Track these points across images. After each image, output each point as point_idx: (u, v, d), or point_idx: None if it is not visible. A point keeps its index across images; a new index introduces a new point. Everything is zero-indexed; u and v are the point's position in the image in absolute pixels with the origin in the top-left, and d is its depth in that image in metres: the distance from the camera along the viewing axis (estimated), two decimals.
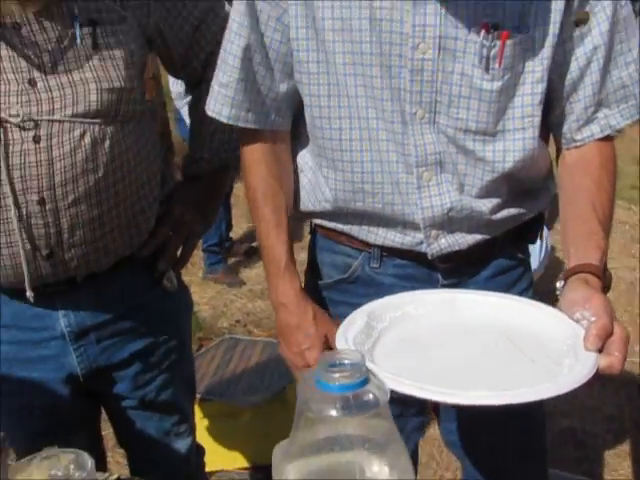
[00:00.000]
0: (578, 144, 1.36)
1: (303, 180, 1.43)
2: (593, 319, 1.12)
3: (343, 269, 1.46)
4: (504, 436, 1.55)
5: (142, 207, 1.44)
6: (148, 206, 1.46)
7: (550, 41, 1.25)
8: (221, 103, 1.36)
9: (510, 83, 1.27)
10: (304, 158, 1.43)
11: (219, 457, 2.76)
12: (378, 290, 1.34)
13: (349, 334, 1.15)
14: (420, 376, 1.05)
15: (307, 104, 1.34)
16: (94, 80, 1.30)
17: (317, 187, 1.40)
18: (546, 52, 1.26)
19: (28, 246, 1.31)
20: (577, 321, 1.15)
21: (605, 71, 1.30)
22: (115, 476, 1.29)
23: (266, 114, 1.36)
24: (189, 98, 1.66)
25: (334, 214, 1.41)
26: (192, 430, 1.76)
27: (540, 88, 1.29)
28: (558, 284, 1.25)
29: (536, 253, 3.16)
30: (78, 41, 1.29)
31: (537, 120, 1.31)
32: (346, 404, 0.82)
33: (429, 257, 1.39)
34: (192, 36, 1.51)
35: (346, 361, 0.83)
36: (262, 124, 1.37)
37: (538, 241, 1.52)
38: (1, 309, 1.44)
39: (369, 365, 1.07)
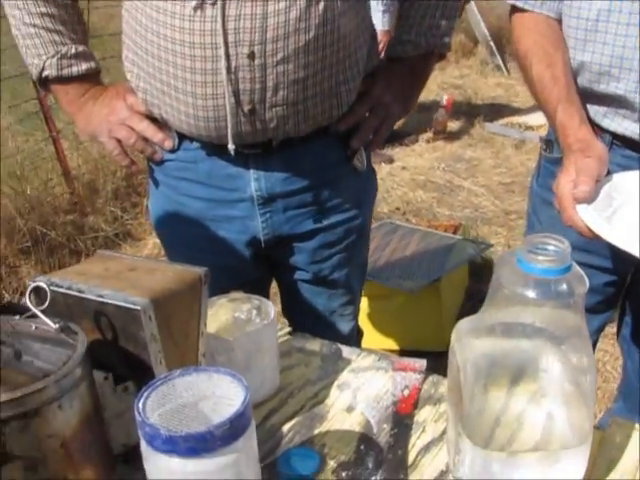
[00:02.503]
0: None
1: None
2: None
3: None
4: None
5: (346, 77, 1.43)
6: (352, 77, 1.44)
7: None
8: None
9: None
10: None
11: (368, 336, 2.82)
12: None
13: (590, 202, 1.18)
14: None
15: None
16: None
17: None
18: None
19: (232, 100, 1.33)
20: None
21: None
22: (287, 329, 1.35)
23: None
24: None
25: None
26: (356, 314, 1.79)
27: None
28: None
29: None
30: None
31: None
32: (544, 288, 0.81)
33: None
34: None
35: (551, 247, 0.82)
36: (539, 7, 1.40)
37: None
38: (198, 166, 1.48)
39: (605, 229, 1.12)
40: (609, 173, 1.30)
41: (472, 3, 7.13)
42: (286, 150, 1.45)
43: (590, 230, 1.16)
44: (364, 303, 2.87)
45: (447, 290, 2.95)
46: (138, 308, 0.85)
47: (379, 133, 1.58)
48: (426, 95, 6.43)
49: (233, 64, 1.30)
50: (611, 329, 1.74)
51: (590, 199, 1.19)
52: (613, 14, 1.28)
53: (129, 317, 0.86)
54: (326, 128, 1.48)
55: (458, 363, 0.89)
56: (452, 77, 7.08)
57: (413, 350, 2.80)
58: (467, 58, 7.59)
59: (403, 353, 2.88)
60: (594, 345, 1.69)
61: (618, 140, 1.41)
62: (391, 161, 4.98)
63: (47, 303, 0.84)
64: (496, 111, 6.05)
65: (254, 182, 1.47)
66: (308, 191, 1.52)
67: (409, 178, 4.78)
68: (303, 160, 1.49)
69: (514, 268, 0.82)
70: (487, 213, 4.34)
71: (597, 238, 1.14)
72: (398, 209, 4.32)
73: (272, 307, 1.14)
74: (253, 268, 1.60)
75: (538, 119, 5.18)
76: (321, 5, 1.31)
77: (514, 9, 1.43)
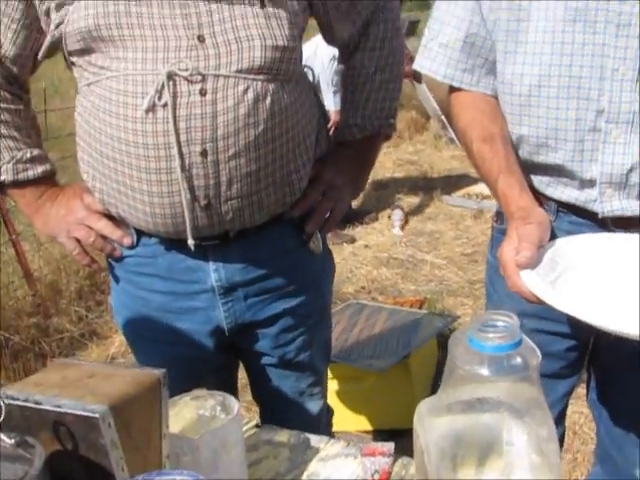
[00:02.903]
0: None
1: None
2: None
3: None
4: None
5: (297, 166, 1.46)
6: (302, 165, 1.48)
7: None
8: (439, 62, 1.43)
9: None
10: None
11: (341, 418, 2.80)
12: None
13: (533, 267, 1.19)
14: (594, 306, 1.10)
15: (500, 60, 1.37)
16: (259, 37, 1.33)
17: None
18: None
19: (188, 196, 1.35)
20: None
21: None
22: (254, 422, 1.34)
23: (479, 76, 1.42)
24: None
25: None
26: (325, 393, 1.80)
27: None
28: None
29: None
30: (246, 0, 1.33)
31: None
32: (497, 365, 0.82)
33: (600, 216, 1.38)
34: (349, 2, 1.53)
35: (500, 322, 0.84)
36: (475, 86, 1.43)
37: None
38: (158, 260, 1.49)
39: (548, 294, 1.13)
40: (554, 238, 1.33)
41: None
42: (243, 240, 1.48)
43: (535, 295, 1.18)
44: (335, 385, 2.86)
45: (417, 366, 2.95)
46: (96, 416, 0.85)
47: (333, 216, 1.62)
48: (383, 173, 6.56)
49: (187, 162, 1.32)
50: (583, 390, 1.74)
51: (532, 264, 1.20)
52: (544, 89, 1.32)
53: (88, 425, 0.86)
54: (281, 215, 1.50)
55: (421, 445, 0.89)
56: (407, 153, 7.22)
57: (388, 429, 2.79)
58: (420, 133, 7.77)
59: (378, 433, 2.87)
60: (565, 409, 1.69)
61: (563, 207, 1.44)
62: (353, 241, 5.02)
63: (2, 417, 0.83)
64: (453, 183, 6.16)
65: (214, 273, 1.49)
66: (267, 278, 1.54)
67: (372, 256, 4.81)
68: (260, 248, 1.51)
69: (466, 347, 0.83)
70: (452, 285, 4.37)
71: (542, 303, 1.16)
72: (363, 288, 4.34)
73: (236, 402, 1.13)
74: (218, 356, 1.61)
75: None
76: (268, 100, 1.35)
77: (452, 88, 1.47)
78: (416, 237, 5.14)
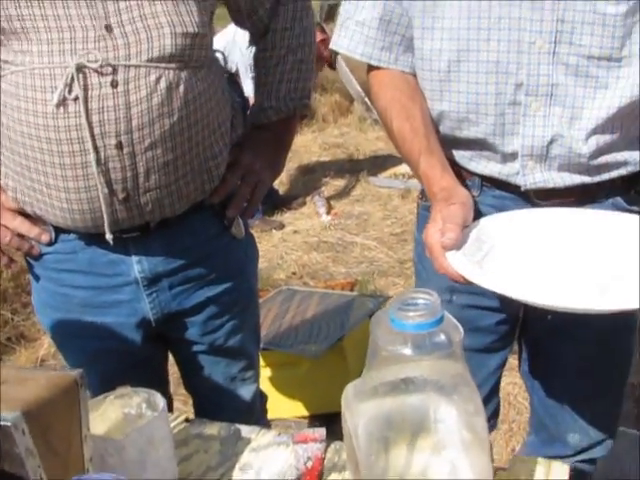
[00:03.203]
0: None
1: None
2: None
3: None
4: (584, 369, 1.57)
5: (214, 153, 1.45)
6: (219, 152, 1.47)
7: None
8: (357, 41, 1.41)
9: (636, 6, 1.24)
10: None
11: (277, 405, 2.80)
12: (477, 218, 1.33)
13: (459, 248, 1.19)
14: (523, 282, 1.11)
15: (417, 37, 1.36)
16: (168, 25, 1.30)
17: None
18: None
19: (106, 190, 1.33)
20: None
21: None
22: (183, 417, 1.31)
23: (397, 54, 1.41)
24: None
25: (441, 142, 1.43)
26: (257, 377, 1.79)
27: None
28: None
29: None
30: None
31: None
32: (420, 343, 0.81)
33: (522, 189, 1.39)
34: None
35: (420, 300, 0.83)
36: (394, 64, 1.42)
37: None
38: (78, 255, 1.47)
39: (474, 274, 1.13)
40: (480, 216, 1.34)
41: (342, 63, 7.33)
42: (164, 230, 1.46)
43: (462, 276, 1.18)
44: (269, 373, 2.85)
45: (351, 348, 2.95)
46: (8, 424, 0.81)
47: (253, 200, 1.61)
48: (309, 157, 6.55)
49: (102, 155, 1.30)
50: (515, 361, 1.77)
51: (458, 245, 1.21)
52: (463, 64, 1.33)
53: (0, 434, 0.82)
54: (201, 202, 1.49)
55: (349, 429, 0.88)
56: (332, 137, 7.21)
57: (325, 414, 2.78)
58: (345, 116, 7.76)
59: (316, 417, 2.87)
60: (499, 381, 1.71)
61: (487, 182, 1.45)
62: (282, 227, 5.01)
63: None
64: (379, 164, 6.19)
65: (136, 265, 1.48)
66: (191, 266, 1.53)
67: (302, 241, 4.81)
68: (182, 237, 1.50)
69: (388, 327, 0.82)
70: (382, 265, 4.39)
71: (470, 283, 1.16)
72: (294, 274, 4.33)
73: (161, 398, 1.11)
74: (146, 348, 1.59)
75: None
76: (181, 88, 1.33)
77: (370, 67, 1.46)
78: (345, 220, 5.15)
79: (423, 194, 1.56)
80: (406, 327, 0.80)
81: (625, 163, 1.38)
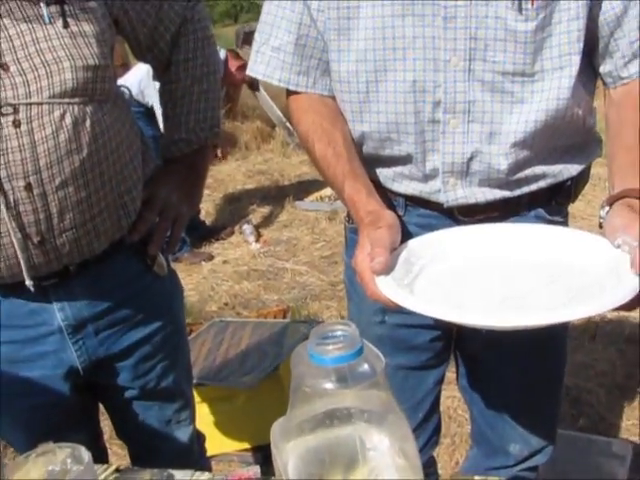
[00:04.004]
0: (625, 81, 1.35)
1: None
2: (635, 243, 1.09)
3: None
4: (520, 379, 1.58)
5: (127, 187, 1.42)
6: (133, 185, 1.44)
7: None
8: (273, 67, 1.41)
9: (545, 22, 1.27)
10: None
11: (218, 441, 2.76)
12: (404, 238, 1.32)
13: (389, 272, 1.18)
14: (452, 302, 1.11)
15: (334, 59, 1.37)
16: (67, 58, 1.28)
17: None
18: None
19: (19, 235, 1.28)
20: (618, 247, 1.13)
21: None
22: (114, 467, 1.28)
23: (315, 78, 1.41)
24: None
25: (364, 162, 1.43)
26: (193, 417, 1.76)
27: (576, 25, 1.27)
28: (602, 212, 1.21)
29: None
30: (47, 20, 1.27)
31: (575, 59, 1.30)
32: (341, 376, 0.80)
33: (445, 206, 1.41)
34: (156, 16, 1.50)
35: (339, 332, 0.82)
36: (312, 87, 1.42)
37: None
38: None
39: (404, 298, 1.12)
40: (407, 237, 1.33)
41: (261, 89, 7.34)
42: (85, 273, 1.43)
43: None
44: (206, 409, 2.81)
45: (288, 376, 2.89)
46: None
47: (173, 235, 1.59)
48: (234, 186, 6.53)
49: (11, 199, 1.26)
50: (454, 374, 1.77)
51: (388, 269, 1.19)
52: (381, 84, 1.34)
53: None
54: (120, 242, 1.46)
55: (280, 469, 0.87)
56: (256, 163, 7.21)
57: (267, 445, 2.74)
58: (268, 143, 7.78)
59: (257, 450, 2.83)
60: (438, 397, 1.72)
61: (411, 201, 1.46)
62: (211, 258, 4.97)
63: None
64: (304, 188, 6.20)
65: (59, 312, 1.43)
66: (116, 308, 1.49)
67: (232, 271, 4.77)
68: (104, 279, 1.47)
69: (308, 363, 0.81)
70: (315, 289, 4.39)
71: (401, 308, 1.15)
72: (227, 304, 4.29)
73: (86, 451, 1.07)
74: (76, 400, 1.54)
75: None
76: (88, 123, 1.30)
77: (289, 92, 1.46)
78: (274, 246, 5.13)
79: (349, 217, 1.56)
80: (326, 361, 0.79)
81: (544, 176, 1.41)
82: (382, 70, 1.33)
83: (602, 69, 1.37)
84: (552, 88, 1.31)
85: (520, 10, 1.25)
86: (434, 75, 1.31)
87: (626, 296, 1.04)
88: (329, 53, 1.38)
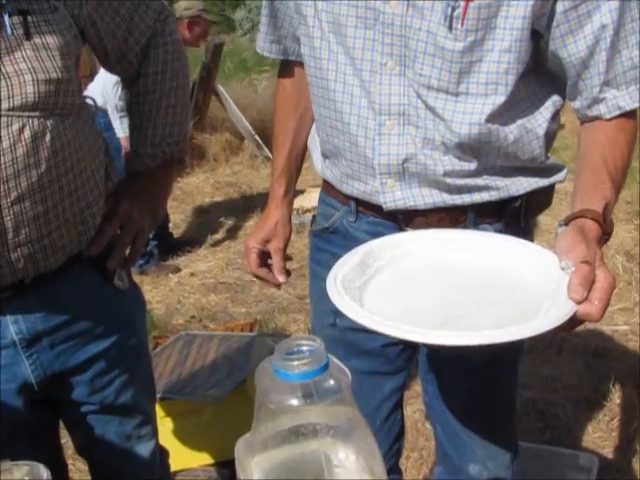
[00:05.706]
0: (588, 121, 1.37)
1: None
2: (573, 269, 1.10)
3: (327, 219, 1.56)
4: (469, 402, 1.60)
5: (88, 202, 1.40)
6: (94, 201, 1.41)
7: (523, 13, 1.24)
8: (260, 39, 1.60)
9: (475, 46, 1.28)
10: None
11: (183, 456, 2.73)
12: (354, 244, 1.32)
13: (339, 274, 1.17)
14: (399, 315, 1.08)
15: (303, 43, 1.46)
16: (29, 71, 1.25)
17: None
18: (517, 23, 1.25)
19: None
20: (562, 269, 1.13)
21: (614, 50, 1.28)
22: None
23: (285, 46, 1.57)
24: None
25: (324, 156, 1.54)
26: (155, 432, 1.72)
27: (507, 58, 1.28)
28: (559, 229, 1.22)
29: None
30: (9, 31, 1.24)
31: (502, 89, 1.31)
32: (307, 392, 0.79)
33: (384, 208, 1.42)
34: (125, 28, 1.48)
35: (304, 347, 0.81)
36: (282, 54, 1.59)
37: None
38: None
39: (349, 303, 1.10)
40: (355, 243, 1.32)
41: (230, 102, 7.33)
42: (40, 285, 1.39)
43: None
44: (172, 423, 2.77)
45: (255, 390, 2.91)
46: None
47: (134, 249, 1.56)
48: (202, 198, 6.50)
49: None
50: (419, 387, 1.77)
51: (340, 271, 1.19)
52: (331, 72, 1.41)
53: None
54: (78, 255, 1.43)
55: None
56: (225, 176, 7.18)
57: (233, 460, 2.71)
58: (236, 155, 7.74)
59: (223, 465, 2.80)
60: (398, 407, 1.70)
61: (361, 206, 1.48)
62: (178, 270, 4.93)
63: None
64: None
65: (13, 325, 1.39)
66: (73, 322, 1.46)
67: (199, 284, 4.73)
68: (61, 292, 1.43)
69: (273, 379, 0.80)
70: (282, 302, 4.36)
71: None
72: (194, 317, 4.25)
73: (44, 469, 1.04)
74: (31, 415, 1.50)
75: (313, 201, 5.32)
76: (47, 137, 1.28)
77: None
78: (242, 259, 5.10)
79: (313, 220, 1.59)
80: (291, 377, 0.78)
81: (487, 187, 1.41)
82: (334, 60, 1.39)
83: (573, 105, 1.39)
84: (474, 112, 1.33)
85: (450, 28, 1.26)
86: (372, 76, 1.35)
87: (553, 323, 1.04)
88: (300, 36, 1.47)
